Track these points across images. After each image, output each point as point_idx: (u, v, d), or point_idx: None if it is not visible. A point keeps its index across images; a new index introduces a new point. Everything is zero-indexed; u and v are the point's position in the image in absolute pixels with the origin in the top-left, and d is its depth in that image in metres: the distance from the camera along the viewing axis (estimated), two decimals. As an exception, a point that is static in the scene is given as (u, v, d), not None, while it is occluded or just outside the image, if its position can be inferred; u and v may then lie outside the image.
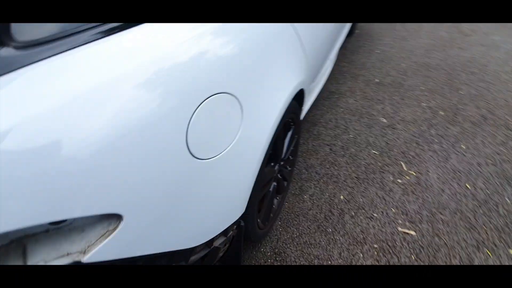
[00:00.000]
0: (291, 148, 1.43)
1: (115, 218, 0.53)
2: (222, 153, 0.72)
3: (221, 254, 0.96)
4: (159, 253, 0.64)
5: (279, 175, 1.37)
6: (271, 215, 1.35)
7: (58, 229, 0.52)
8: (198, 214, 0.74)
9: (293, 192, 1.57)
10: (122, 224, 0.53)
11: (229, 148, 0.74)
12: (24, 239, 0.51)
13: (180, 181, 0.63)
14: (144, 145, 0.53)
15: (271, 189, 1.29)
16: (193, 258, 0.80)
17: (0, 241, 0.50)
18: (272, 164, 1.23)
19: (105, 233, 0.52)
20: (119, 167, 0.50)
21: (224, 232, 0.89)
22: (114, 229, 0.53)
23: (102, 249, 0.51)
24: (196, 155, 0.64)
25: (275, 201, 1.41)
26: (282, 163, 1.35)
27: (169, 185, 0.61)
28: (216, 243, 0.87)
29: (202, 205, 0.73)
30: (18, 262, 0.49)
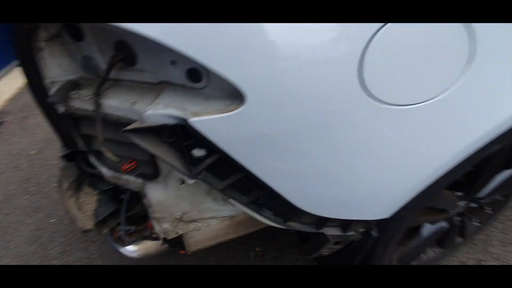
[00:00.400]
0: (498, 196, 0.89)
1: (239, 101, 0.43)
2: (409, 106, 0.47)
3: (325, 252, 0.71)
4: (259, 181, 0.50)
5: (455, 219, 0.89)
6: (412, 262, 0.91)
7: (191, 89, 0.50)
8: (328, 173, 0.53)
9: (464, 259, 1.01)
10: (240, 109, 0.43)
11: (422, 104, 0.47)
12: (164, 84, 0.52)
13: (335, 121, 0.47)
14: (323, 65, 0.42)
15: (432, 229, 0.86)
16: (292, 224, 0.60)
17: (150, 78, 0.52)
18: (457, 193, 0.80)
19: (222, 110, 0.44)
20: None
21: (344, 225, 0.63)
22: (231, 110, 0.43)
23: (209, 121, 0.44)
24: (373, 93, 0.45)
25: (429, 251, 0.95)
26: (470, 205, 0.86)
27: (320, 116, 0.46)
28: (327, 231, 0.63)
29: (339, 165, 0.53)
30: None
